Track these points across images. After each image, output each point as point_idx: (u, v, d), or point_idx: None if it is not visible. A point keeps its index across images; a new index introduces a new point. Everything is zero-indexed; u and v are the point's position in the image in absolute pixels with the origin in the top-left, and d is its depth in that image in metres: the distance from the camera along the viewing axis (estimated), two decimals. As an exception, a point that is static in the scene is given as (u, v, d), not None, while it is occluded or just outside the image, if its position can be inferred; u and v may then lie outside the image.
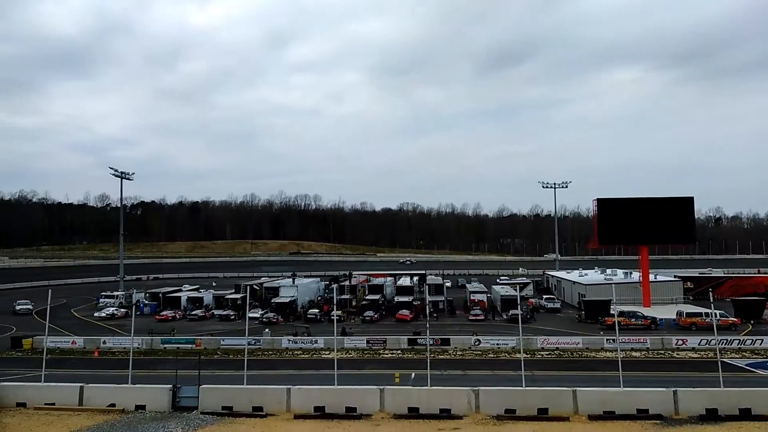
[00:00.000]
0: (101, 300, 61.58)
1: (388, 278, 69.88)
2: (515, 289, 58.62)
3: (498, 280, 79.40)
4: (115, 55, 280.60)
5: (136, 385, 24.96)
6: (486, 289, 65.12)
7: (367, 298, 59.54)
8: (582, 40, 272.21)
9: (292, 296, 58.28)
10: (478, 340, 40.31)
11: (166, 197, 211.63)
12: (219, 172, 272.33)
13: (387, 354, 38.51)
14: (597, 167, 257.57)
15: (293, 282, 64.14)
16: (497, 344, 39.79)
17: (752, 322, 47.89)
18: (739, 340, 39.50)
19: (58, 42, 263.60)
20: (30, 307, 57.26)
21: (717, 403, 21.28)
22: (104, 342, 40.67)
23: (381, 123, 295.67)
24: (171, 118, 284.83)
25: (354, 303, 59.46)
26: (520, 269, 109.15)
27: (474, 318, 52.09)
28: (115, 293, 63.32)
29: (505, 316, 52.63)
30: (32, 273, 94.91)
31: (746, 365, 33.49)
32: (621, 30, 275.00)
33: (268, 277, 79.55)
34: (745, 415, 20.97)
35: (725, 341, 38.54)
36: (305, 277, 76.12)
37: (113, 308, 56.73)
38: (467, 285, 73.63)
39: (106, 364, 33.52)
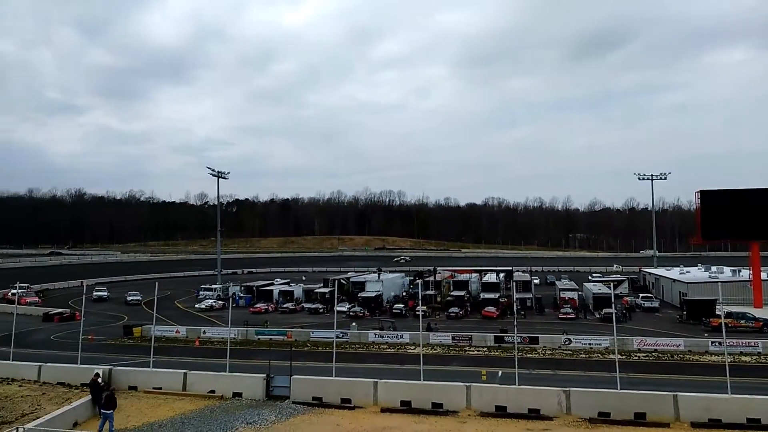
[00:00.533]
0: (201, 292, 65.69)
1: (474, 274, 69.05)
2: (609, 287, 56.08)
3: (590, 278, 76.13)
4: (211, 59, 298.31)
5: (234, 374, 26.37)
6: (577, 287, 62.68)
7: (452, 294, 59.22)
8: (680, 20, 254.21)
9: (378, 291, 59.13)
10: (569, 339, 38.91)
11: (259, 195, 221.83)
12: (307, 170, 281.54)
13: (473, 351, 38.13)
14: (699, 157, 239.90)
15: (379, 277, 65.03)
16: (589, 344, 38.21)
17: None
18: None
19: (161, 51, 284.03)
20: (139, 298, 62.02)
21: None
22: (204, 332, 43.30)
23: (466, 116, 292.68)
24: (263, 119, 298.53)
25: (439, 299, 59.35)
26: (614, 266, 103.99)
27: (564, 316, 50.33)
28: (213, 286, 67.25)
29: (597, 315, 50.45)
30: (141, 267, 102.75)
31: None
32: (725, 6, 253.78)
33: (354, 271, 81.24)
34: None
35: None
36: (390, 272, 76.93)
37: (212, 300, 60.24)
38: (556, 282, 71.25)
39: (206, 352, 35.67)
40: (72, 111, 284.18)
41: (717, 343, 34.90)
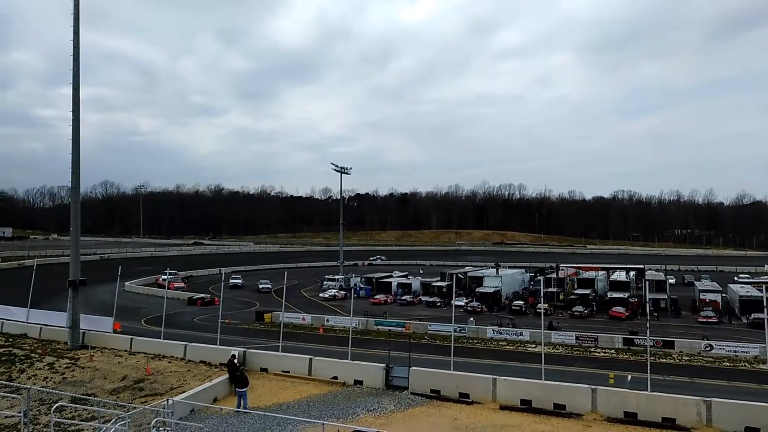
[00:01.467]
0: (324, 282, 68.82)
1: (600, 272, 65.24)
2: (759, 290, 50.31)
3: (736, 279, 68.80)
4: (335, 59, 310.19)
5: (355, 362, 27.35)
6: (720, 288, 56.89)
7: (576, 292, 56.53)
8: None
9: (496, 286, 58.06)
10: (710, 345, 35.47)
11: (379, 189, 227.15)
12: (425, 165, 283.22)
13: (598, 353, 36.13)
14: None
15: (497, 272, 63.81)
16: (735, 352, 34.56)
17: None
18: None
19: (290, 52, 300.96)
20: (269, 286, 66.33)
21: None
22: (327, 320, 45.34)
23: (592, 105, 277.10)
24: (382, 115, 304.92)
25: (561, 297, 56.95)
26: (766, 266, 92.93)
27: (704, 320, 45.98)
28: (336, 277, 70.12)
29: (744, 320, 45.52)
30: (271, 257, 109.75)
31: None
32: None
33: (472, 266, 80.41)
34: None
35: None
36: (509, 267, 75.12)
37: (334, 290, 62.86)
38: (696, 282, 65.25)
39: (329, 340, 37.33)
40: (211, 113, 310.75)
41: None
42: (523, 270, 72.84)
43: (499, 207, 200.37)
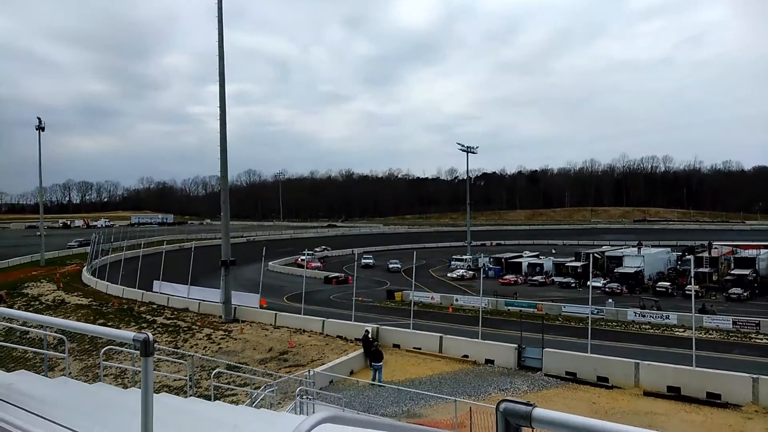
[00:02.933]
0: (452, 262, 68.89)
1: (762, 250, 58.00)
2: None
3: None
4: (458, 38, 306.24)
5: (486, 341, 27.23)
6: None
7: (732, 272, 50.93)
8: None
9: (638, 267, 54.12)
10: None
11: (506, 167, 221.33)
12: (556, 139, 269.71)
13: (761, 339, 32.34)
14: None
15: (639, 251, 59.40)
16: None
17: None
18: None
19: (413, 35, 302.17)
20: (399, 266, 67.87)
21: None
22: (456, 299, 45.43)
23: (752, 63, 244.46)
24: (509, 91, 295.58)
25: (715, 278, 51.64)
26: None
27: None
28: (464, 257, 69.86)
29: None
30: (399, 238, 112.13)
31: None
32: None
33: (609, 245, 75.66)
34: None
35: None
36: (652, 246, 69.55)
37: (462, 270, 62.71)
38: None
39: (459, 319, 37.41)
40: (339, 100, 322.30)
41: None
42: (669, 249, 67.01)
43: (641, 181, 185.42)
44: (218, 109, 35.59)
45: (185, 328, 31.76)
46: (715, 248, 58.59)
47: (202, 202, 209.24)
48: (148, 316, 35.15)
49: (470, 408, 17.22)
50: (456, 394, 19.46)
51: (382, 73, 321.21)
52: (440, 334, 28.16)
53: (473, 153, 79.15)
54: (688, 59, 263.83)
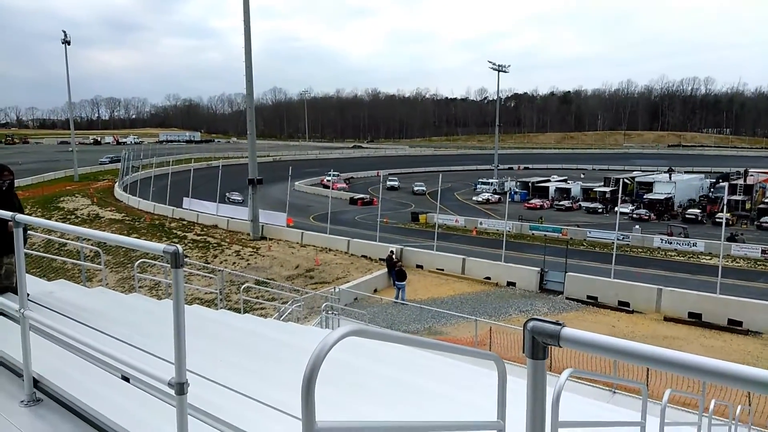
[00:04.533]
0: (478, 186, 68.53)
1: (800, 178, 56.16)
2: None
3: None
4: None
5: (508, 264, 27.53)
6: None
7: (766, 201, 49.68)
8: None
9: (669, 193, 53.06)
10: None
11: (538, 88, 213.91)
12: (592, 59, 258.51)
13: (790, 269, 32.01)
14: None
15: (670, 178, 58.05)
16: None
17: None
18: None
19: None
20: (424, 188, 67.82)
21: None
22: (480, 223, 45.55)
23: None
24: (545, 5, 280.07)
25: (748, 206, 50.48)
26: None
27: None
28: (490, 180, 69.31)
29: None
30: (425, 160, 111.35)
31: None
32: None
33: (640, 171, 74.00)
34: None
35: None
36: (685, 173, 67.87)
37: (488, 194, 62.42)
38: None
39: (482, 242, 37.70)
40: (367, 14, 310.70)
41: None
42: (703, 176, 65.33)
43: (679, 104, 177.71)
44: (243, 23, 34.65)
45: (215, 244, 32.76)
46: (751, 175, 56.89)
47: (228, 120, 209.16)
48: (179, 232, 36.24)
49: (490, 327, 17.70)
50: (477, 314, 19.95)
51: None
52: (463, 256, 28.51)
53: (505, 72, 76.45)
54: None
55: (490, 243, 36.36)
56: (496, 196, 61.31)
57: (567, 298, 24.12)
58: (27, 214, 4.24)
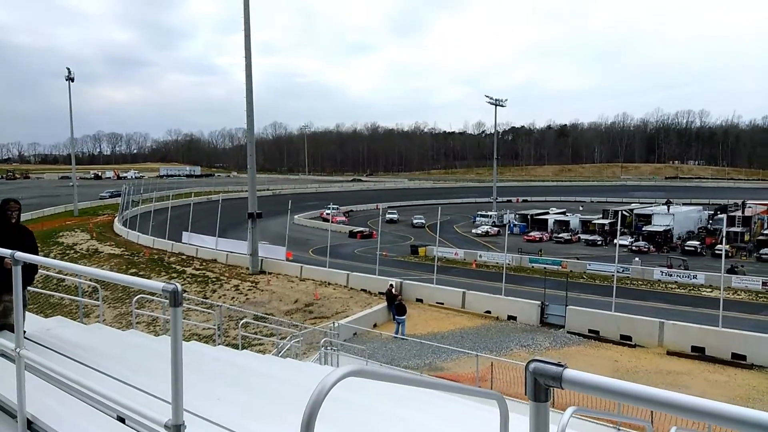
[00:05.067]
0: (477, 218, 68.60)
1: (800, 210, 56.32)
2: None
3: None
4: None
5: (509, 297, 27.34)
6: None
7: (765, 232, 49.73)
8: None
9: (667, 225, 53.17)
10: None
11: (535, 122, 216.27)
12: (589, 93, 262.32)
13: (791, 301, 31.83)
14: None
15: (668, 210, 58.25)
16: None
17: None
18: None
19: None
20: (423, 221, 67.89)
21: None
22: (480, 256, 45.45)
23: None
24: (542, 41, 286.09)
25: (747, 237, 50.52)
26: None
27: None
28: (489, 213, 69.42)
29: None
30: (424, 193, 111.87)
31: None
32: None
33: (638, 203, 74.31)
34: None
35: None
36: (683, 204, 68.11)
37: (487, 226, 62.44)
38: None
39: (482, 275, 37.54)
40: (366, 50, 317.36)
41: None
42: (701, 207, 65.57)
43: (674, 137, 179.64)
44: (244, 59, 35.28)
45: (213, 279, 32.60)
46: (749, 207, 57.07)
47: (228, 155, 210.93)
48: (177, 266, 36.12)
49: (491, 363, 17.46)
50: (478, 349, 19.71)
51: (410, 22, 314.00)
52: (463, 290, 28.34)
53: (502, 106, 77.47)
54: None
55: (490, 276, 36.18)
56: (495, 228, 61.35)
57: (568, 332, 23.87)
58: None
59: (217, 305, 20.76)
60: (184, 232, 45.64)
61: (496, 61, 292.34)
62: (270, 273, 34.05)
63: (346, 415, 4.48)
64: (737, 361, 19.99)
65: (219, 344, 13.00)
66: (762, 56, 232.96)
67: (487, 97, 75.79)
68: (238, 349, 12.56)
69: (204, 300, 25.32)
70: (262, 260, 35.61)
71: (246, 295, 29.09)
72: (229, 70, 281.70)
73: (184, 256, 39.82)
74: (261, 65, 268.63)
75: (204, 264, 37.12)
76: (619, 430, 13.47)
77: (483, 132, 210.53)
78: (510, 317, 25.95)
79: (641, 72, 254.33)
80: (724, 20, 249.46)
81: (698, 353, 21.05)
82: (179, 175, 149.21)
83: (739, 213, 54.76)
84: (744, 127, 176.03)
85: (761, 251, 45.16)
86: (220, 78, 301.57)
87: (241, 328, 16.52)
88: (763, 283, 34.06)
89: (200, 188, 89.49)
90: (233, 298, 28.46)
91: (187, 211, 47.61)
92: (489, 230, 60.93)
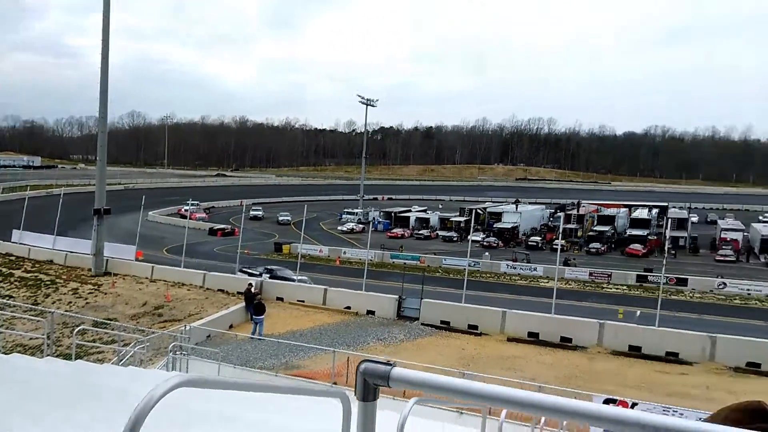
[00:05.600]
0: (343, 216, 69.50)
1: (622, 209, 64.47)
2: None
3: (760, 218, 67.34)
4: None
5: (369, 293, 28.00)
6: (742, 227, 55.91)
7: (595, 229, 56.21)
8: None
9: (515, 222, 58.01)
10: (724, 284, 35.31)
11: (404, 123, 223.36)
12: (456, 97, 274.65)
13: (611, 289, 36.31)
14: None
15: (516, 208, 63.54)
16: (748, 290, 34.38)
17: None
18: None
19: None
20: (289, 218, 67.15)
21: None
22: (344, 252, 46.11)
23: (635, 30, 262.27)
24: (415, 44, 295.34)
25: (580, 233, 56.73)
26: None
27: (721, 258, 45.62)
28: (355, 210, 70.65)
29: (763, 259, 44.92)
30: (292, 190, 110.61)
31: None
32: None
33: (491, 202, 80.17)
34: None
35: None
36: (529, 203, 74.67)
37: (353, 224, 63.49)
38: (719, 221, 64.14)
39: (345, 271, 38.06)
40: (238, 41, 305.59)
41: None
42: (544, 206, 72.37)
43: (526, 142, 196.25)
44: (101, 42, 32.08)
45: (48, 282, 29.41)
46: (583, 206, 64.23)
47: (77, 144, 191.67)
48: (3, 269, 32.06)
49: (348, 358, 17.77)
50: (335, 345, 19.92)
51: (285, 16, 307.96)
52: (324, 287, 28.49)
53: (373, 106, 79.02)
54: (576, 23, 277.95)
55: (353, 272, 36.79)
56: (361, 225, 62.50)
57: (422, 324, 25.00)
58: None
59: (49, 312, 18.77)
60: (14, 231, 40.67)
61: (371, 61, 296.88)
62: (116, 274, 31.49)
63: (178, 421, 4.24)
64: (565, 344, 22.34)
65: (47, 355, 11.78)
66: (604, 71, 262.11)
67: (359, 96, 76.90)
68: (71, 359, 11.46)
69: (33, 306, 22.74)
70: (107, 260, 32.81)
71: (86, 299, 26.63)
72: (85, 52, 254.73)
73: (12, 258, 35.39)
74: (122, 49, 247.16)
75: (37, 266, 33.32)
76: (462, 414, 14.36)
77: (354, 130, 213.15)
78: (369, 312, 26.57)
79: (501, 80, 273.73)
80: (571, 37, 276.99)
81: (534, 338, 23.18)
82: (14, 166, 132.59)
83: (574, 212, 61.31)
84: (584, 135, 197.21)
85: (590, 245, 50.95)
86: (73, 61, 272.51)
87: (76, 335, 15.07)
88: (590, 273, 38.49)
89: (39, 181, 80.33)
90: (70, 303, 25.91)
91: (21, 207, 42.47)
92: (354, 227, 61.93)
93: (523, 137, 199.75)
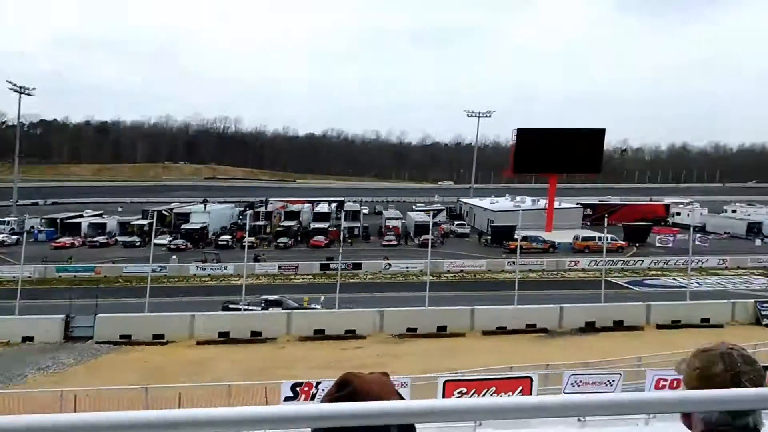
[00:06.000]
0: (-10, 227, 56.89)
1: (306, 205, 69.26)
2: (429, 216, 60.10)
3: (414, 207, 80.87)
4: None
5: (25, 317, 23.57)
6: (401, 216, 66.26)
7: (282, 224, 58.88)
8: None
9: (204, 222, 56.55)
10: (389, 264, 41.22)
11: (71, 116, 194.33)
12: (134, 91, 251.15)
13: (298, 279, 38.64)
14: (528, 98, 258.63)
15: (205, 208, 62.09)
16: (407, 268, 40.87)
17: (637, 245, 51.92)
18: (624, 261, 42.99)
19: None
20: None
21: (595, 317, 23.39)
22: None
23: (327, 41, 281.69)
24: (78, 30, 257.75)
25: (269, 230, 58.69)
26: (435, 197, 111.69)
27: (387, 243, 53.13)
28: (6, 219, 58.63)
29: (417, 242, 54.00)
30: None
31: (625, 283, 36.64)
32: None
33: (179, 202, 76.52)
34: (618, 325, 23.30)
35: (611, 262, 40.64)
36: (219, 203, 73.90)
37: (3, 235, 52.54)
38: (384, 212, 74.57)
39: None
40: None
41: (512, 263, 39.27)
42: (233, 205, 72.54)
43: (214, 140, 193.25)
44: None
45: None
46: (271, 204, 66.62)
47: None
48: None
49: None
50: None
51: None
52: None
53: (29, 95, 67.70)
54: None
55: (7, 294, 30.35)
56: (14, 237, 52.10)
57: (97, 342, 22.35)
58: None
59: None
60: None
61: (19, 46, 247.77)
62: None
63: None
64: (254, 338, 22.81)
65: None
66: (290, 75, 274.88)
67: (9, 82, 64.04)
68: None
69: None
70: None
71: None
72: None
73: None
74: None
75: None
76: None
77: (4, 123, 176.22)
78: (25, 339, 22.44)
79: (184, 76, 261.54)
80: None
81: (224, 338, 22.99)
82: None
83: (263, 209, 63.10)
84: (270, 134, 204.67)
85: (279, 240, 53.20)
86: None
87: None
88: (279, 267, 40.18)
89: None
90: None
91: None
92: (5, 239, 51.29)
93: (210, 135, 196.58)
